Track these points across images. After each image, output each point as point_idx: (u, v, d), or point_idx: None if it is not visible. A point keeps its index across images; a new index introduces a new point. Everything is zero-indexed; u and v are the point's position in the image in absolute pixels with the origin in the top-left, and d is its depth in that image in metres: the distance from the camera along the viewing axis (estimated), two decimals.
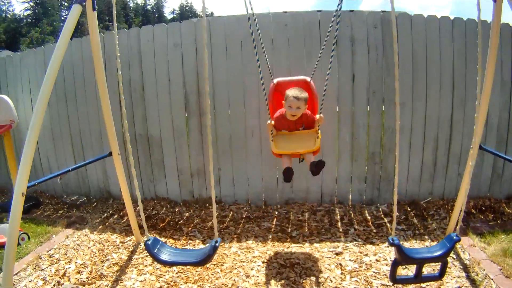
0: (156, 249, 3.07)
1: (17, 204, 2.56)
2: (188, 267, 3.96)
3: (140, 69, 5.56)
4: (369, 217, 5.05)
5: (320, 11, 5.15)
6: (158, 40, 5.43)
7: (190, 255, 3.09)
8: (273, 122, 3.85)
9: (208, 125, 2.64)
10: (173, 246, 4.44)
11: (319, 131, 3.80)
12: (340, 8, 3.44)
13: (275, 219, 5.13)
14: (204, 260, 2.96)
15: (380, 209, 5.25)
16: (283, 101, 3.81)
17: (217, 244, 2.93)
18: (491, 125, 5.17)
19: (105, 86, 3.67)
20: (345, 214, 5.18)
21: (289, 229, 4.83)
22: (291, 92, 3.72)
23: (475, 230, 4.52)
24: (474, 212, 5.00)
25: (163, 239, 4.71)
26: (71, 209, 6.02)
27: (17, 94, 6.40)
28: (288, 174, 3.69)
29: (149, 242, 3.05)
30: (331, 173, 5.38)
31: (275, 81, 4.06)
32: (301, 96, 3.69)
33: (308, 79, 4.03)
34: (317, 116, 3.77)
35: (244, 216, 5.30)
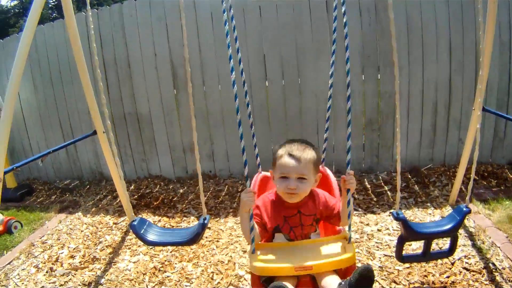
0: (143, 230, 2.87)
1: None
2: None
3: (124, 45, 5.40)
4: (368, 186, 4.92)
5: None
6: (141, 14, 5.25)
7: (178, 235, 2.89)
8: (255, 191, 2.48)
9: (190, 92, 2.45)
10: (161, 226, 4.36)
11: (349, 233, 2.16)
12: None
13: None
14: (193, 239, 2.74)
15: (380, 177, 5.11)
16: (270, 170, 2.38)
17: (205, 221, 2.71)
18: (491, 88, 4.98)
19: (84, 64, 3.47)
20: None
21: None
22: (286, 147, 2.22)
23: (479, 196, 4.37)
24: (477, 178, 4.83)
25: (157, 218, 4.64)
26: (64, 193, 5.93)
27: (2, 81, 6.22)
28: None
29: (135, 223, 2.87)
30: (328, 142, 5.23)
31: (262, 173, 2.84)
32: (306, 156, 2.16)
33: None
34: (346, 175, 2.12)
35: (239, 190, 5.18)
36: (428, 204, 4.33)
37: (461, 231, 3.70)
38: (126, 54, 5.42)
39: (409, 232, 2.62)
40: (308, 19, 4.93)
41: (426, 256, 2.80)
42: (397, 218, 2.57)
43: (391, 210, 2.71)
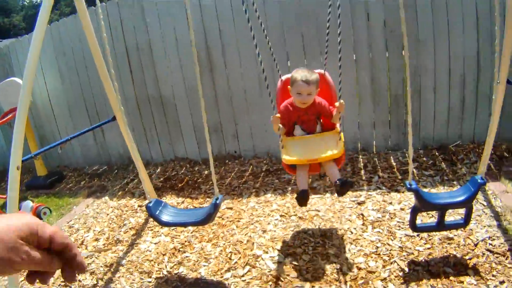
0: (158, 211, 3.04)
1: (13, 178, 2.56)
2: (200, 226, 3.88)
3: (146, 31, 5.44)
4: (394, 164, 4.76)
5: None
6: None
7: (191, 215, 3.07)
8: (278, 115, 3.09)
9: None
10: (184, 207, 4.46)
11: (342, 132, 3.09)
12: None
13: None
14: (205, 219, 2.92)
15: (407, 154, 4.92)
16: (288, 86, 3.15)
17: (218, 202, 2.92)
18: None
19: (99, 52, 3.74)
20: (368, 161, 4.91)
21: (310, 179, 4.58)
22: (299, 74, 3.05)
23: (508, 174, 4.13)
24: (507, 155, 4.59)
25: (180, 199, 4.70)
26: (93, 179, 6.08)
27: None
28: (303, 199, 2.98)
29: (151, 204, 3.05)
30: (353, 118, 5.12)
31: (283, 78, 3.36)
32: (312, 79, 3.02)
33: (322, 71, 3.33)
34: (336, 104, 3.00)
35: (264, 170, 5.15)
36: (455, 182, 4.15)
37: (486, 210, 3.53)
38: (147, 39, 5.46)
39: (422, 202, 2.69)
40: None
41: (440, 226, 2.83)
42: (410, 188, 2.65)
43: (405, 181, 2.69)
